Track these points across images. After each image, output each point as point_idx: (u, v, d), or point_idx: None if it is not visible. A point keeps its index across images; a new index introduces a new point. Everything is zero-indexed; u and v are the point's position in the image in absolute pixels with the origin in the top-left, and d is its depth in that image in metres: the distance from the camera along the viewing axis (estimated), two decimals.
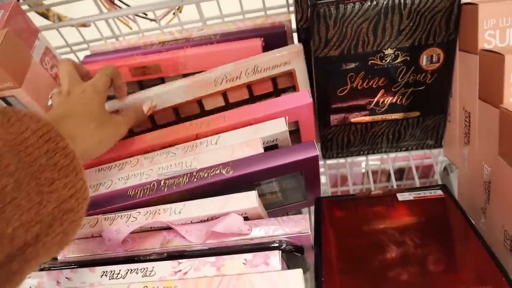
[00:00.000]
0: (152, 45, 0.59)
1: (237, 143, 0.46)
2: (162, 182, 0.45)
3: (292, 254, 0.42)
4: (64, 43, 0.65)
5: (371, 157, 0.65)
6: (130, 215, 0.44)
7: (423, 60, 0.50)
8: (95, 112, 0.44)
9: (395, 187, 0.60)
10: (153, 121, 0.58)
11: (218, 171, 0.44)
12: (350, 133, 0.56)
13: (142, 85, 0.60)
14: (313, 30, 0.49)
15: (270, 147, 0.48)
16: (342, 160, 0.66)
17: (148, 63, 0.57)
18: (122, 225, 0.43)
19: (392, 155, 0.65)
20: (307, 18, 0.53)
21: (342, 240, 0.46)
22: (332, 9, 0.47)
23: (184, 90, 0.53)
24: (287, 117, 0.47)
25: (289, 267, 0.43)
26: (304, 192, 0.52)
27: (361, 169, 0.86)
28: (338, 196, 0.56)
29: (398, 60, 0.50)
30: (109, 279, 0.41)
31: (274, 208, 0.53)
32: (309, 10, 0.48)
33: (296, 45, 0.51)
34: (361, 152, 0.59)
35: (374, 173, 0.86)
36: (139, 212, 0.44)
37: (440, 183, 0.57)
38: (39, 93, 0.57)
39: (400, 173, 0.89)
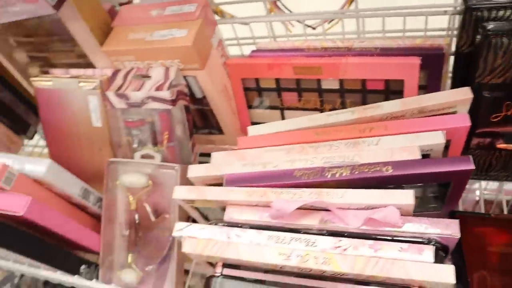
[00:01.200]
0: (315, 49, 0.66)
1: (397, 147, 0.52)
2: (326, 170, 0.51)
3: (437, 253, 0.47)
4: (234, 36, 0.75)
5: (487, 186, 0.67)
6: (295, 193, 0.51)
7: None
8: None
9: None
10: None
11: (379, 168, 0.50)
12: (492, 157, 0.60)
13: (299, 83, 0.67)
14: (479, 58, 0.53)
15: (423, 156, 0.53)
16: None
17: (312, 65, 0.64)
18: (284, 199, 0.50)
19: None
20: (471, 43, 0.57)
21: (480, 252, 0.50)
22: (504, 40, 0.51)
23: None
24: (445, 132, 0.52)
25: None
26: (442, 203, 0.56)
27: (474, 197, 0.87)
28: (472, 212, 0.59)
29: None
30: (275, 243, 0.49)
31: None
32: (477, 37, 0.53)
33: (465, 91, 0.53)
34: (500, 178, 0.62)
35: (488, 203, 0.87)
36: (304, 191, 0.51)
37: None
38: (214, 78, 0.66)
39: None
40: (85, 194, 0.64)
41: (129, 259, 0.64)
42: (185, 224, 0.53)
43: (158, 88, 0.61)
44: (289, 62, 0.65)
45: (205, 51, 0.62)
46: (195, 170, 0.57)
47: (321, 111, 0.69)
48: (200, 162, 0.64)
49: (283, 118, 0.73)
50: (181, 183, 0.61)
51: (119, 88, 0.63)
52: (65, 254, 0.62)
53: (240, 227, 0.52)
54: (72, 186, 0.62)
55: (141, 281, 0.64)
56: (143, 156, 0.66)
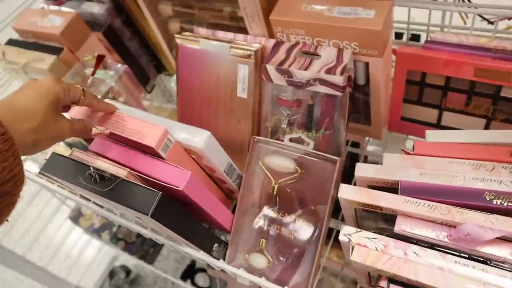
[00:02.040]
0: (504, 51, 0.58)
1: None
2: None
3: None
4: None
5: None
6: (486, 218, 0.45)
7: None
8: (42, 111, 0.43)
9: None
10: None
11: None
12: None
13: (473, 86, 0.60)
14: None
15: None
16: None
17: (500, 69, 0.56)
18: (477, 224, 0.45)
19: None
20: None
21: None
22: None
23: None
24: None
25: None
26: None
27: None
28: None
29: None
30: (461, 270, 0.44)
31: None
32: None
33: None
34: None
35: None
36: (496, 218, 0.45)
37: None
38: (386, 66, 0.60)
39: None
40: (229, 170, 0.60)
41: (262, 244, 0.61)
42: (353, 229, 0.49)
43: (329, 71, 0.55)
44: (473, 62, 0.57)
45: (387, 36, 0.56)
46: (364, 169, 0.52)
47: (490, 120, 0.62)
48: None
49: (440, 119, 0.66)
50: (336, 179, 0.56)
51: (282, 62, 0.58)
52: (204, 230, 0.60)
53: (415, 243, 0.47)
54: (222, 161, 0.58)
55: (270, 268, 0.61)
56: (292, 140, 0.61)
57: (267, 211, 0.61)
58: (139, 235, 1.20)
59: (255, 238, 0.62)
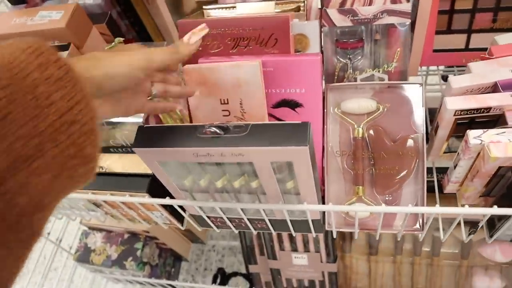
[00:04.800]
0: None
1: None
2: None
3: None
4: None
5: None
6: None
7: None
8: (112, 53, 0.43)
9: None
10: None
11: None
12: None
13: (498, 1, 0.66)
14: None
15: None
16: None
17: None
18: None
19: None
20: None
21: None
22: None
23: None
24: None
25: None
26: None
27: None
28: None
29: None
30: None
31: None
32: None
33: None
34: None
35: None
36: None
37: None
38: None
39: None
40: None
41: (359, 192, 0.60)
42: (480, 131, 0.50)
43: (395, 1, 0.57)
44: None
45: None
46: (459, 80, 0.54)
47: None
48: None
49: (468, 43, 0.71)
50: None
51: (342, 3, 0.58)
52: None
53: None
54: None
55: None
56: (363, 80, 0.61)
57: (352, 158, 0.60)
58: (160, 254, 1.10)
59: (343, 187, 0.61)
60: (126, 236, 1.04)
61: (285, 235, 0.88)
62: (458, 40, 0.71)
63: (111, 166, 0.63)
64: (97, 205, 0.69)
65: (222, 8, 0.65)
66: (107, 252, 1.01)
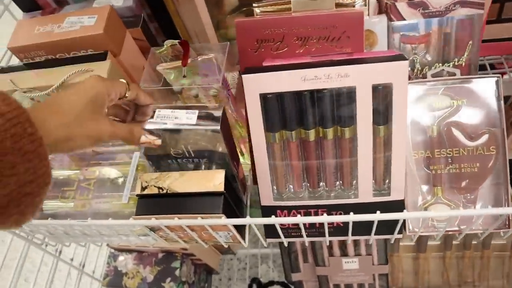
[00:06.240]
0: None
1: None
2: None
3: None
4: None
5: None
6: None
7: None
8: (78, 108, 0.42)
9: None
10: None
11: None
12: None
13: None
14: None
15: None
16: None
17: None
18: None
19: None
20: None
21: None
22: None
23: None
24: None
25: None
26: None
27: None
28: None
29: None
30: None
31: None
32: None
33: None
34: None
35: None
36: None
37: None
38: None
39: None
40: None
41: (438, 192, 0.57)
42: None
43: None
44: None
45: None
46: None
47: None
48: None
49: None
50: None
51: None
52: None
53: None
54: None
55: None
56: (433, 76, 0.59)
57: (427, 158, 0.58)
58: (195, 271, 1.05)
59: (418, 189, 0.58)
60: (160, 255, 0.98)
61: (335, 240, 0.85)
62: (508, 29, 0.70)
63: (172, 186, 0.58)
64: (153, 230, 0.64)
65: (273, 4, 0.61)
66: (141, 275, 0.96)
